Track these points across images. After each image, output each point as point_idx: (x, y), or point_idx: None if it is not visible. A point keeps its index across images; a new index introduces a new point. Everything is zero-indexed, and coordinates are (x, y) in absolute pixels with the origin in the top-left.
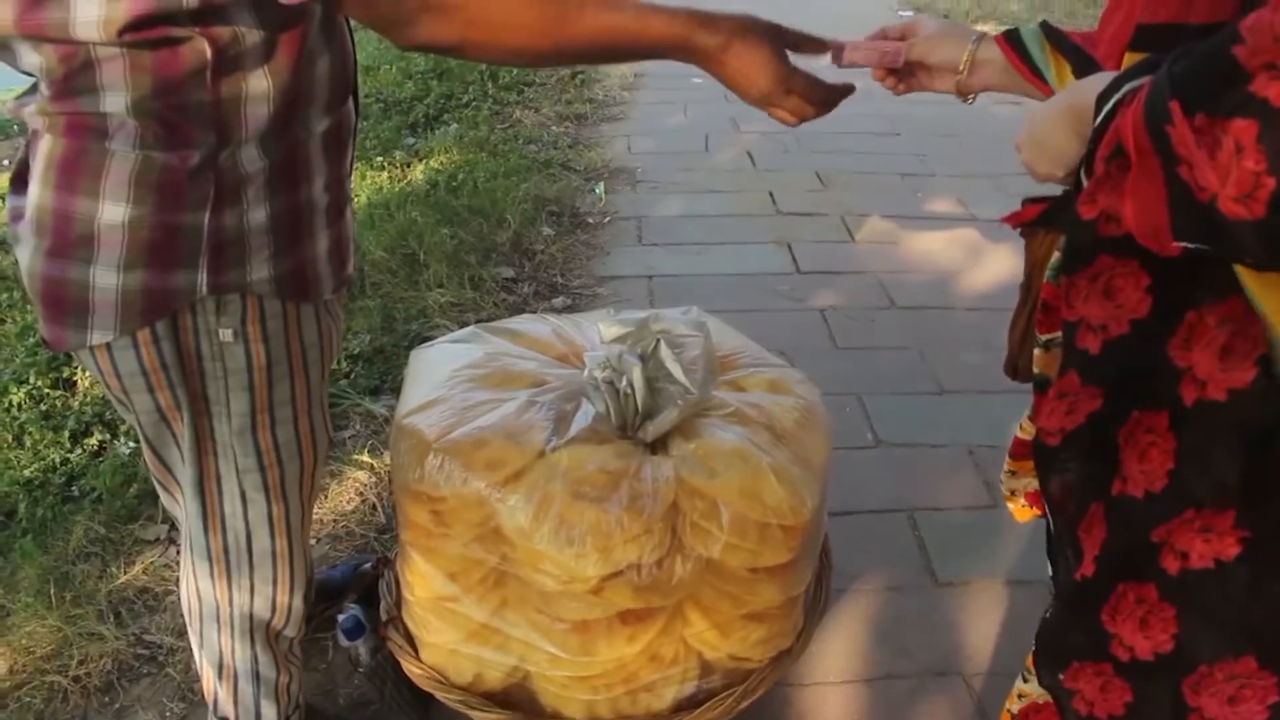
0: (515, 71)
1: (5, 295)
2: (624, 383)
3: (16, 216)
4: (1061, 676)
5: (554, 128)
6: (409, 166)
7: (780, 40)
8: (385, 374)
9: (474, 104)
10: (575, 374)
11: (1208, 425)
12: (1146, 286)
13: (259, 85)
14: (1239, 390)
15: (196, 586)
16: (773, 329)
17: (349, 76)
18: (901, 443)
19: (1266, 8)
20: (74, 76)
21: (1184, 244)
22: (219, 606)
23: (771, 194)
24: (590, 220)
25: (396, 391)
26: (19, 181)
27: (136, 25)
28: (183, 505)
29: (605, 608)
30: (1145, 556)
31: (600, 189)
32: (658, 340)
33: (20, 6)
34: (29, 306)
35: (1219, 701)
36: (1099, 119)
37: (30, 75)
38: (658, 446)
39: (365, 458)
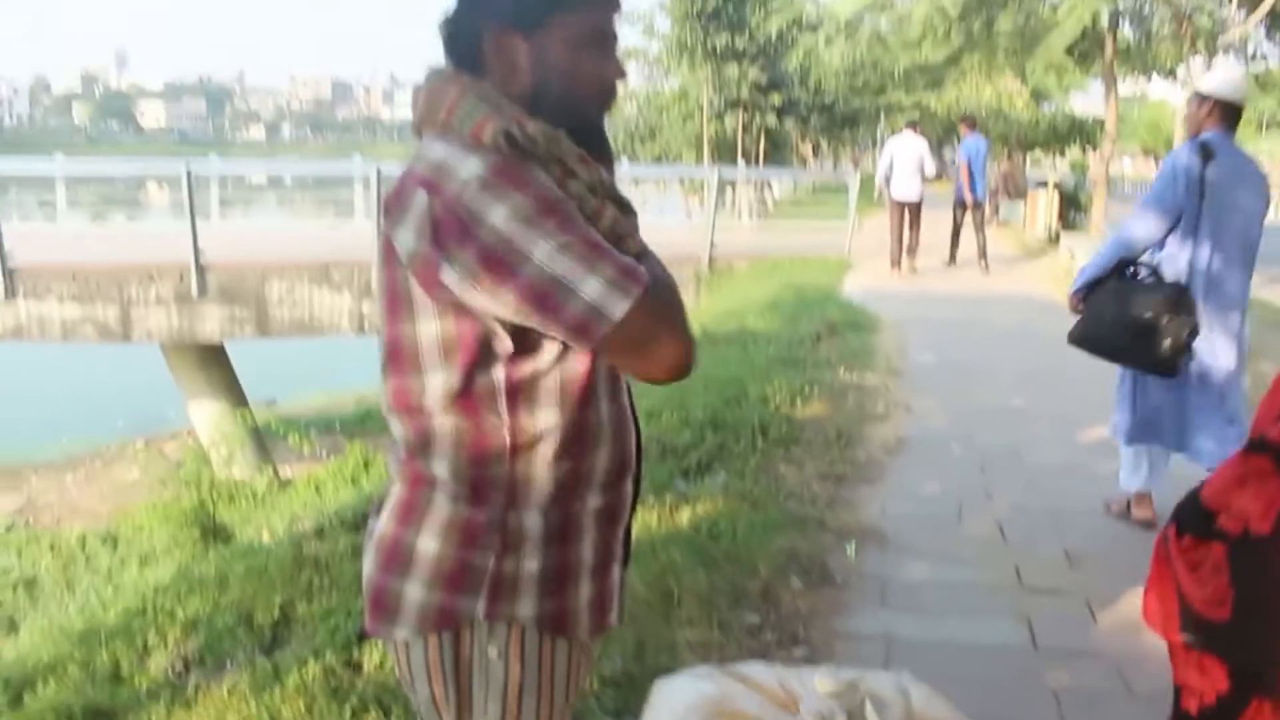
0: (784, 428)
1: (318, 579)
2: None
3: (370, 534)
4: None
5: (814, 485)
6: (677, 509)
7: None
8: (630, 699)
9: (743, 455)
10: (791, 706)
11: None
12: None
13: (544, 468)
14: None
15: None
16: (1002, 704)
17: (626, 461)
18: None
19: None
20: (419, 444)
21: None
22: None
23: (1017, 568)
24: (838, 578)
25: (638, 716)
26: (378, 511)
27: (465, 392)
28: None
29: None
30: None
31: (851, 548)
32: (864, 700)
33: (392, 386)
34: (335, 593)
35: None
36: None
37: (396, 441)
38: None
39: None
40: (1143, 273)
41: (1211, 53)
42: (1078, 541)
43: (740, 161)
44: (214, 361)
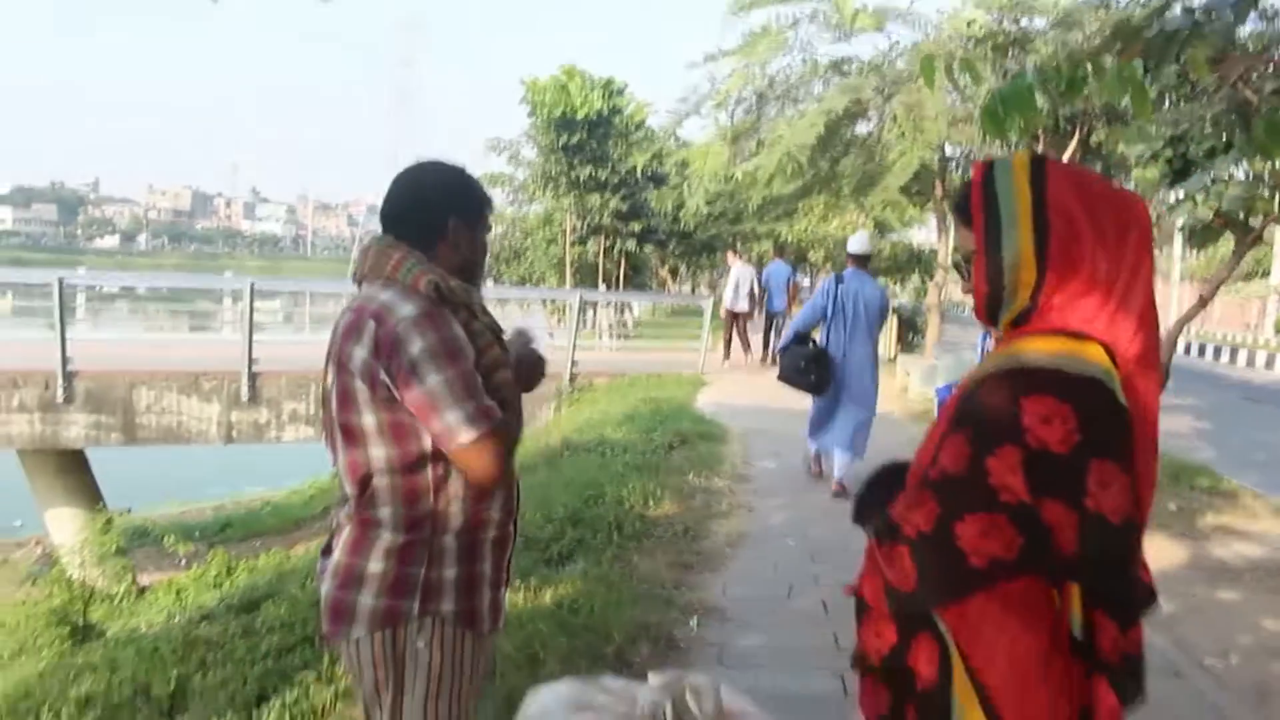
0: (637, 524)
1: (212, 655)
2: (661, 713)
3: (322, 570)
4: None
5: (664, 572)
6: (541, 590)
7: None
8: None
9: (600, 547)
10: (634, 702)
11: None
12: None
13: (457, 507)
14: None
15: None
16: None
17: (511, 508)
18: None
19: (903, 501)
20: (365, 498)
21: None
22: None
23: (835, 635)
24: (682, 645)
25: None
26: (326, 551)
27: (405, 466)
28: None
29: None
30: None
31: (694, 622)
32: (685, 689)
33: (346, 458)
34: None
35: None
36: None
37: (346, 498)
38: None
39: None
40: (809, 342)
41: None
42: None
43: (601, 284)
44: (74, 468)
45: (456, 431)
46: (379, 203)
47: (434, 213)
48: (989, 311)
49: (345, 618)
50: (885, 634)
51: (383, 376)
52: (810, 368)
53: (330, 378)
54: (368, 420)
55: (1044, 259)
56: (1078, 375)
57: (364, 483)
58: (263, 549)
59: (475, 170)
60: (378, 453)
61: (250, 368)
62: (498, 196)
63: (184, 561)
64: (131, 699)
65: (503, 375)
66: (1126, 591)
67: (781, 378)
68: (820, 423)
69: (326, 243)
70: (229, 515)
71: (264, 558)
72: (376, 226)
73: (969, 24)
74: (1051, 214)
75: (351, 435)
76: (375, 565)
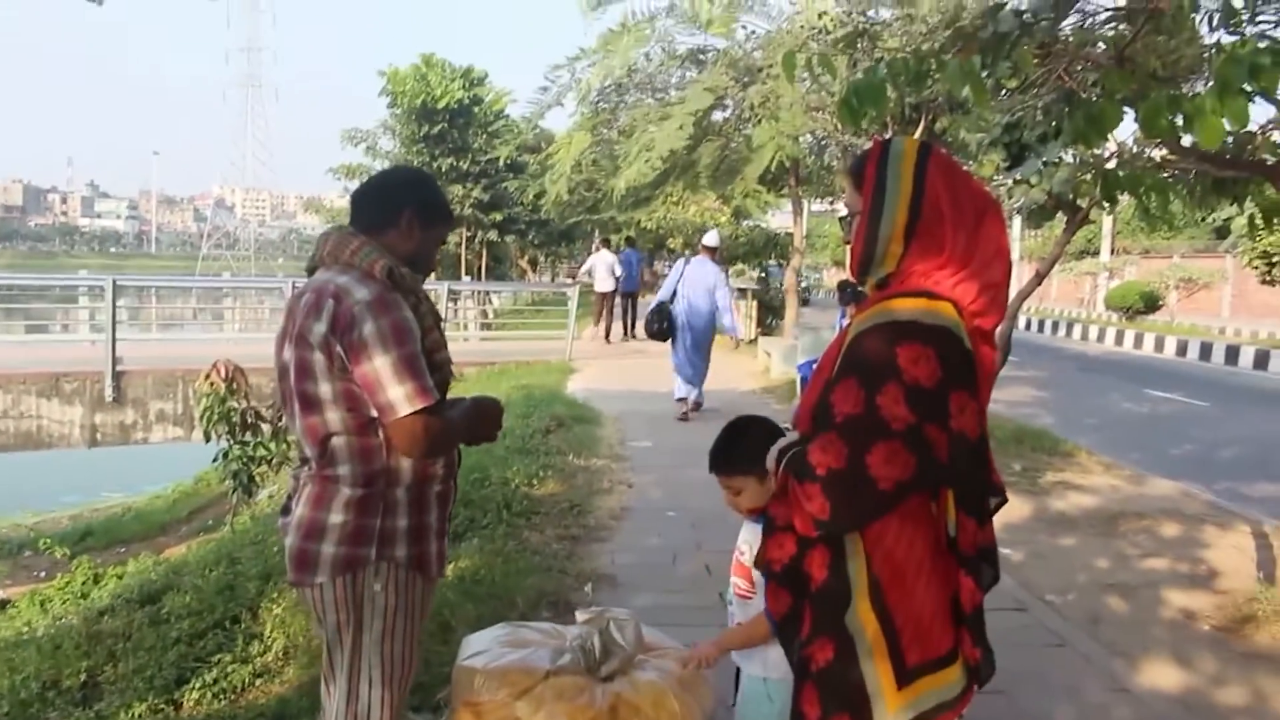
0: (525, 503)
1: (122, 645)
2: (590, 643)
3: (284, 525)
4: None
5: (554, 545)
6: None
7: None
8: (424, 699)
9: (491, 525)
10: (563, 639)
11: None
12: None
13: (407, 464)
14: None
15: None
16: None
17: (453, 465)
18: None
19: (813, 444)
20: (325, 457)
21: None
22: None
23: (720, 593)
24: (578, 610)
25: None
26: (286, 510)
27: (359, 428)
28: (334, 691)
29: None
30: None
31: (589, 588)
32: (609, 622)
33: (305, 423)
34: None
35: None
36: (779, 468)
37: (306, 459)
38: (608, 679)
39: None
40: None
41: None
42: None
43: (465, 275)
44: None
45: (395, 407)
46: (226, 195)
47: (392, 201)
48: (861, 269)
49: (310, 565)
50: (786, 545)
51: (338, 350)
52: (657, 320)
53: (287, 352)
54: (324, 389)
55: (912, 236)
56: (936, 325)
57: (323, 443)
58: (128, 555)
59: (331, 162)
60: (334, 416)
61: (114, 367)
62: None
63: (43, 573)
64: (40, 694)
65: (442, 355)
66: (983, 490)
67: (645, 331)
68: (680, 367)
69: (173, 239)
70: (88, 524)
71: (132, 563)
72: (225, 221)
73: (820, 15)
74: (925, 201)
75: (309, 402)
76: (336, 517)
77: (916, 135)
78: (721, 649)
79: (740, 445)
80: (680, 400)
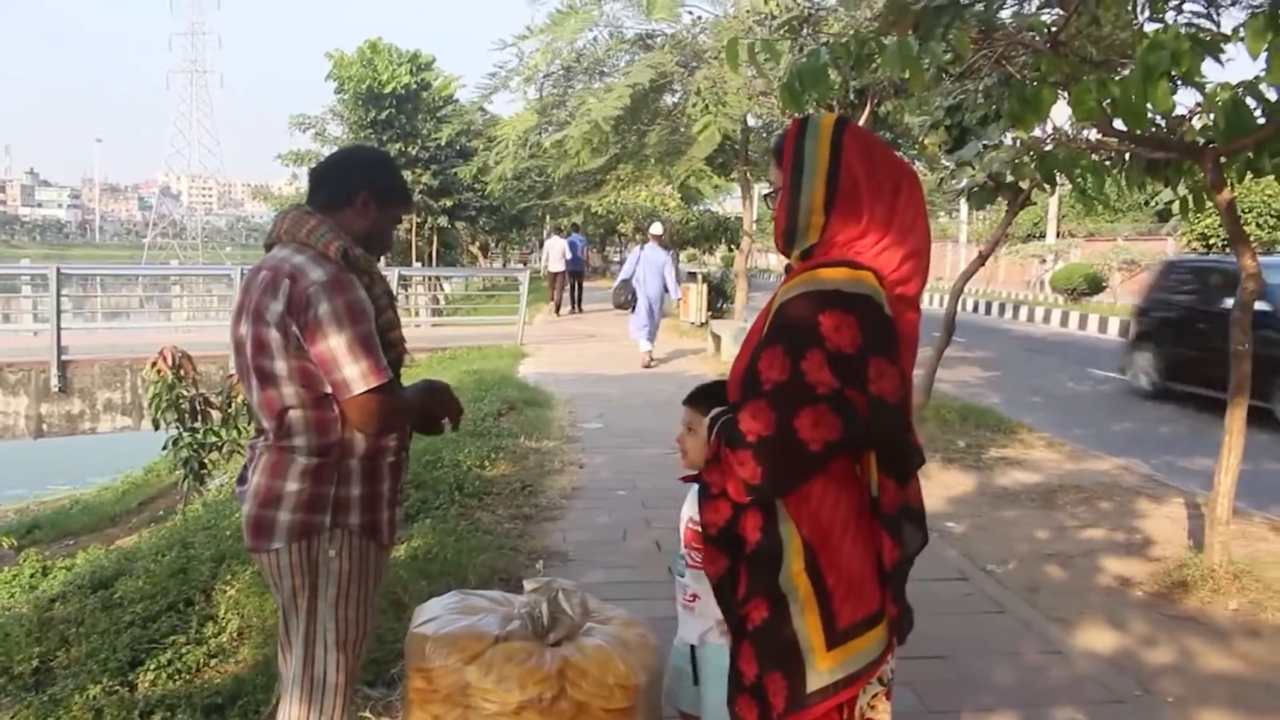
0: (477, 484)
1: (75, 630)
2: (538, 611)
3: (241, 494)
4: None
5: (506, 524)
6: (395, 544)
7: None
8: (378, 674)
9: (444, 506)
10: (512, 607)
11: None
12: None
13: (360, 436)
14: None
15: (292, 713)
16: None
17: (404, 438)
18: None
19: (743, 411)
20: (282, 429)
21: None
22: None
23: (669, 568)
24: (526, 580)
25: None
26: (242, 479)
27: (314, 402)
28: (290, 658)
29: None
30: None
31: (540, 564)
32: (557, 591)
33: (263, 396)
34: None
35: None
36: (710, 434)
37: (263, 430)
38: (556, 644)
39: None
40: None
41: None
42: None
43: (416, 262)
44: None
45: (350, 384)
46: (172, 183)
47: (349, 181)
48: (786, 241)
49: (266, 532)
50: (721, 509)
51: (294, 329)
52: (624, 293)
53: (244, 327)
54: (280, 366)
55: (832, 207)
56: (856, 294)
57: (280, 416)
58: (77, 548)
59: (279, 148)
60: (289, 391)
61: (60, 357)
62: (303, 176)
63: None
64: None
65: (396, 334)
66: (903, 450)
67: (614, 303)
68: (638, 321)
69: (117, 227)
70: (35, 517)
71: (82, 555)
72: (171, 210)
73: (766, 1)
74: (842, 173)
75: (266, 377)
76: (292, 485)
77: (861, 119)
78: None
79: (720, 391)
80: (646, 352)
